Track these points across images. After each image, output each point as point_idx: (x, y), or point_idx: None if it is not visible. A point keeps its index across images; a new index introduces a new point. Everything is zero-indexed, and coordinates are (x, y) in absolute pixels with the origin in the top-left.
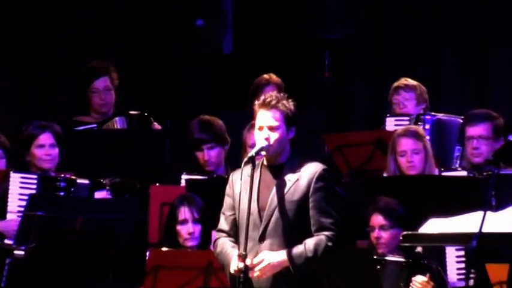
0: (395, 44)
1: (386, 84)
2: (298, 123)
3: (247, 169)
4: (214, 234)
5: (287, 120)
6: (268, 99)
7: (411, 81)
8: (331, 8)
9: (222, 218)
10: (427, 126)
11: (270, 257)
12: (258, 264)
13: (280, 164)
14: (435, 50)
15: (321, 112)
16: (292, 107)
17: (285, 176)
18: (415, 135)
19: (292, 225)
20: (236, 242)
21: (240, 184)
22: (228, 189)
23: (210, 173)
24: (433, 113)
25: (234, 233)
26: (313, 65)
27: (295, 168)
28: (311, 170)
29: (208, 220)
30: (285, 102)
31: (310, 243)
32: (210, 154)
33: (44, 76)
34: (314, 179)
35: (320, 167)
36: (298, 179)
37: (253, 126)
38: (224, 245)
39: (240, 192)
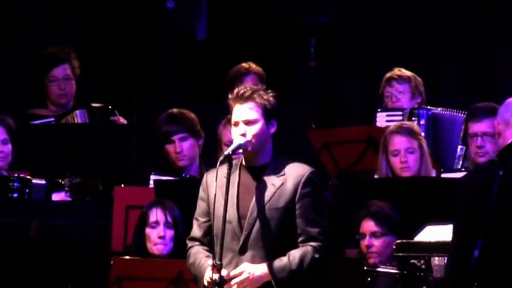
0: (389, 30)
1: (378, 75)
2: (279, 116)
3: (223, 170)
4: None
5: (265, 113)
6: (242, 91)
7: (405, 72)
8: None
9: (195, 224)
10: (422, 122)
11: (250, 269)
12: (236, 276)
13: (262, 165)
14: (433, 36)
15: (306, 106)
16: (270, 98)
17: (268, 179)
18: (409, 133)
19: (276, 236)
20: (211, 251)
21: (215, 187)
22: (201, 193)
23: (181, 173)
24: (428, 107)
25: (208, 241)
26: (298, 53)
27: (278, 169)
28: (297, 173)
29: (181, 227)
30: (261, 93)
31: (295, 254)
32: (182, 146)
33: None
34: (301, 184)
35: (307, 169)
36: (283, 183)
37: (229, 120)
38: (198, 255)
39: (216, 196)
